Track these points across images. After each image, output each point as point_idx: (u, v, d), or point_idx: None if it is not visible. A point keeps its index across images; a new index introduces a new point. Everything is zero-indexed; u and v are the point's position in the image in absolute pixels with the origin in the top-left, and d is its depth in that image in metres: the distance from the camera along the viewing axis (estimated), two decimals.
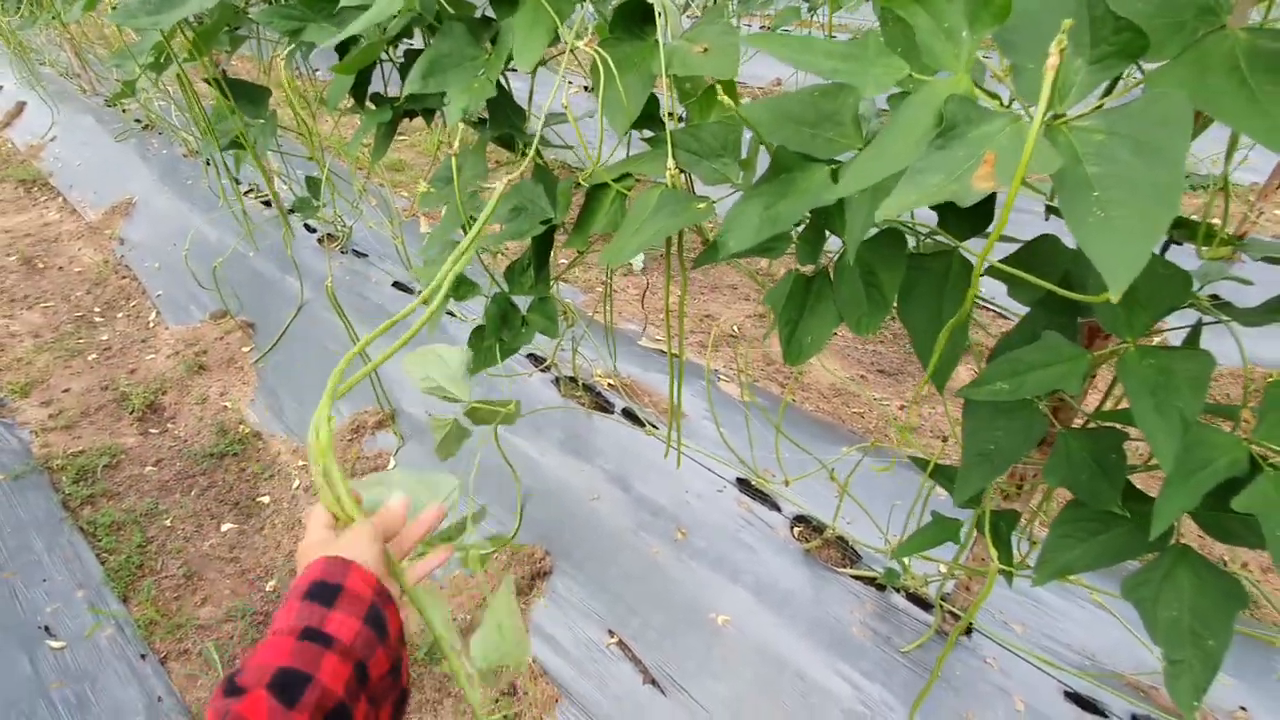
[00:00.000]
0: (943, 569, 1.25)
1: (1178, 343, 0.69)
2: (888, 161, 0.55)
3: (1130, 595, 0.68)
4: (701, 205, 0.87)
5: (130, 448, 2.09)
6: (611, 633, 1.45)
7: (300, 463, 2.00)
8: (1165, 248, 0.77)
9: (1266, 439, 0.61)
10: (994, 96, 0.58)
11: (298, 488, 1.92)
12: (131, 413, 2.21)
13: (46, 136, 4.21)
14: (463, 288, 1.21)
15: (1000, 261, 0.65)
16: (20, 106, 4.71)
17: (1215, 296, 0.73)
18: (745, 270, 2.56)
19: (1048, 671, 1.22)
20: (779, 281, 0.87)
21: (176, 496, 1.93)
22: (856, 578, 1.40)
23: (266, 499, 1.91)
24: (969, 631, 1.29)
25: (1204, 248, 0.74)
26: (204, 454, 2.05)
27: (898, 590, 1.36)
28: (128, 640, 1.52)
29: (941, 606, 1.28)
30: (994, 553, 0.83)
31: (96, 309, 2.76)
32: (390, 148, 1.44)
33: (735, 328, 2.47)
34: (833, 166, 0.73)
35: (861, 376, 2.28)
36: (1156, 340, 0.68)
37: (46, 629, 1.52)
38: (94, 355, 2.49)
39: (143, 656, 1.49)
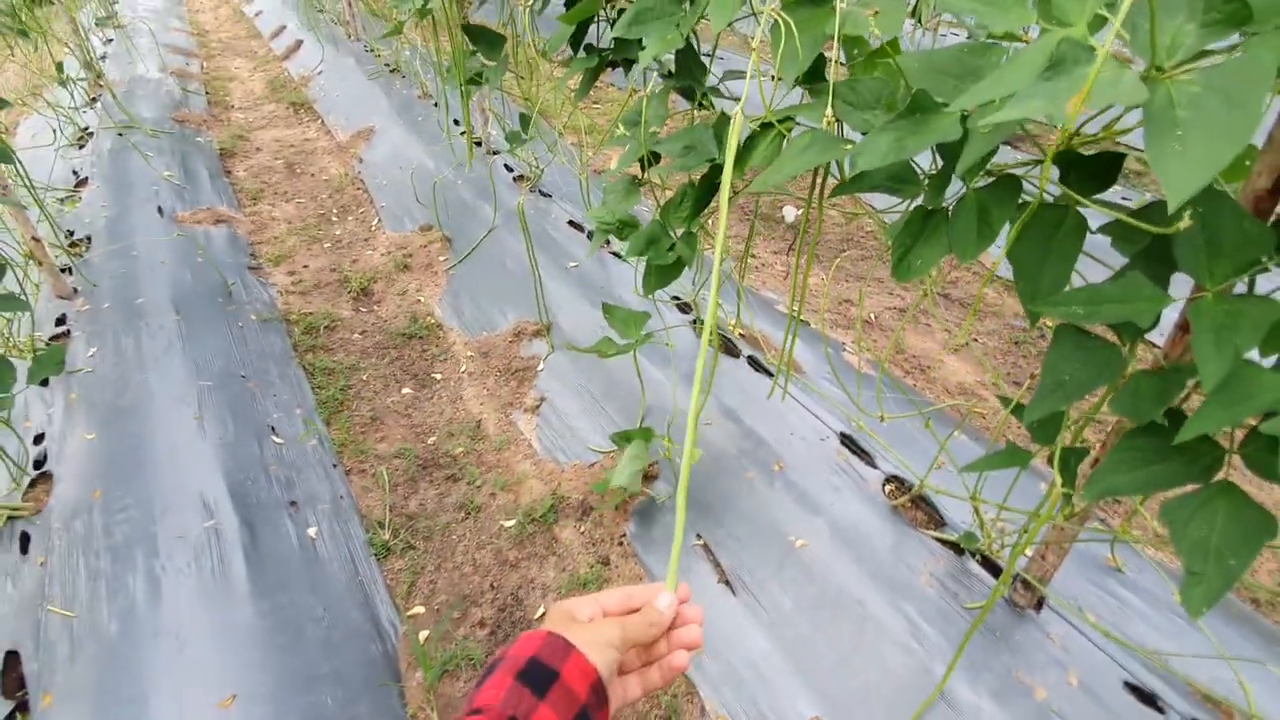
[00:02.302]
0: (1012, 521, 1.31)
1: None
2: (1001, 87, 0.68)
3: (1165, 514, 0.75)
4: (848, 146, 1.02)
5: (345, 317, 2.56)
6: (699, 536, 1.63)
7: (468, 353, 2.36)
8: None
9: None
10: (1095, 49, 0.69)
11: (463, 371, 2.28)
12: (349, 292, 2.70)
13: (315, 70, 5.04)
14: (625, 229, 1.44)
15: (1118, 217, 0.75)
16: (298, 44, 5.64)
17: None
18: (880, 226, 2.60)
19: (1113, 656, 1.24)
20: (900, 217, 1.00)
21: (373, 360, 2.35)
22: (936, 539, 1.48)
23: (438, 376, 2.29)
24: (1039, 606, 1.33)
25: None
26: (397, 333, 2.47)
27: (974, 555, 1.42)
28: (325, 451, 1.93)
29: (1014, 574, 1.33)
30: (1059, 478, 0.91)
31: (334, 210, 3.34)
32: (585, 108, 1.70)
33: (873, 315, 2.53)
34: (963, 113, 0.86)
35: (994, 384, 2.27)
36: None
37: (271, 428, 1.96)
38: (328, 244, 3.04)
39: (334, 465, 1.89)
